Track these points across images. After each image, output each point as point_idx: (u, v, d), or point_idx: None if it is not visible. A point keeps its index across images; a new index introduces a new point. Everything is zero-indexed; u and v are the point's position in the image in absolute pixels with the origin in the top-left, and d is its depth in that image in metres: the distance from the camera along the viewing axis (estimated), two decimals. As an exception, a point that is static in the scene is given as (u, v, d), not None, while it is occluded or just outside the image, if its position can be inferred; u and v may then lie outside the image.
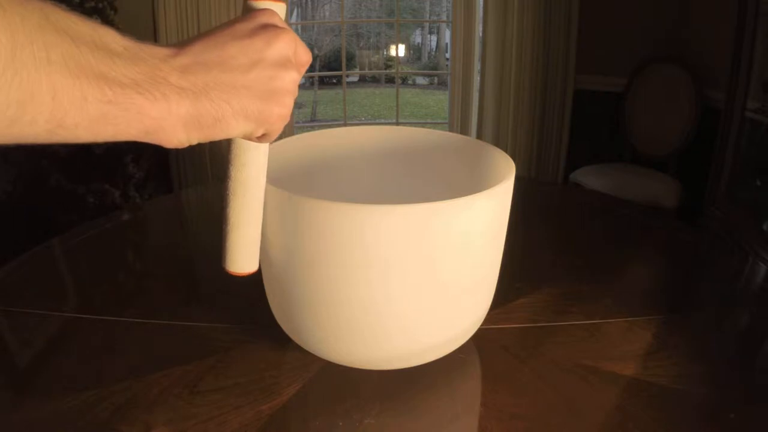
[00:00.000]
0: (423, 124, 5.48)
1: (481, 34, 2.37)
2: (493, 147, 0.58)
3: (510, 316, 0.63)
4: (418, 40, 7.63)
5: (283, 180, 0.56)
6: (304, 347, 0.52)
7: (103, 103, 0.27)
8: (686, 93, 2.07)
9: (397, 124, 3.23)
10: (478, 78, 2.44)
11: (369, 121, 5.91)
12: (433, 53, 7.67)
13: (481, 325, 0.54)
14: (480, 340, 0.57)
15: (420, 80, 7.39)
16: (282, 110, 0.35)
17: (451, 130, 2.61)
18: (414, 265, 0.44)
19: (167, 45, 0.32)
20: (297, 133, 1.13)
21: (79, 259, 0.83)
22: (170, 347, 0.57)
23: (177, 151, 2.35)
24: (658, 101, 2.16)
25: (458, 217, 0.44)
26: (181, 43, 0.32)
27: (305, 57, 0.37)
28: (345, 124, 2.77)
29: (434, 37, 7.54)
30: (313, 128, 2.57)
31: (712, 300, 0.72)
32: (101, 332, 0.60)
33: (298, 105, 5.96)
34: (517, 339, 0.59)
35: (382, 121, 6.08)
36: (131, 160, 2.00)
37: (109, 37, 0.28)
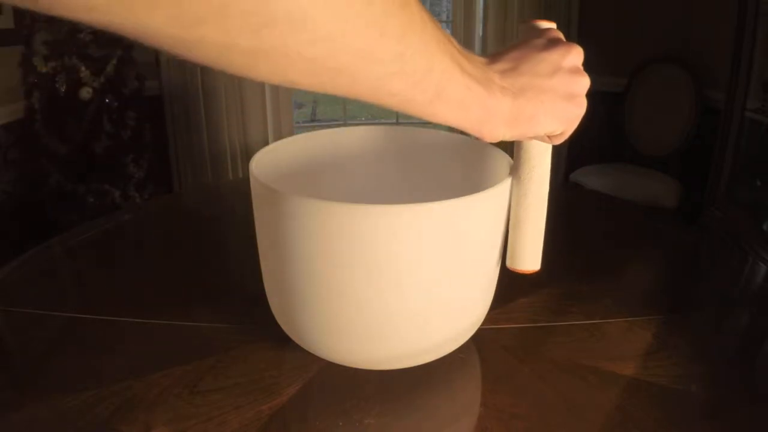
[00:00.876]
0: (423, 124, 5.48)
1: (481, 34, 2.37)
2: (493, 147, 0.58)
3: (510, 316, 0.63)
4: (418, 40, 7.64)
5: (283, 180, 0.56)
6: (304, 347, 0.52)
7: (465, 88, 0.32)
8: (686, 93, 2.07)
9: (397, 124, 3.23)
10: (478, 78, 2.44)
11: (369, 121, 5.91)
12: (433, 53, 7.68)
13: (481, 325, 0.54)
14: (480, 340, 0.57)
15: (420, 80, 7.40)
16: (580, 110, 0.41)
17: (451, 130, 2.60)
18: (414, 265, 0.44)
19: (481, 55, 0.37)
20: (297, 133, 1.13)
21: (79, 259, 0.83)
22: (170, 347, 0.57)
23: (177, 151, 2.35)
24: (658, 101, 2.16)
25: (458, 217, 0.44)
26: (490, 55, 0.38)
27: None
28: (345, 124, 2.77)
29: (434, 37, 7.54)
30: (313, 128, 2.57)
31: (712, 300, 0.72)
32: (101, 332, 0.60)
33: (298, 105, 5.95)
34: (517, 339, 0.59)
35: (382, 121, 6.07)
36: (131, 160, 2.00)
37: (449, 37, 0.33)
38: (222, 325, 0.61)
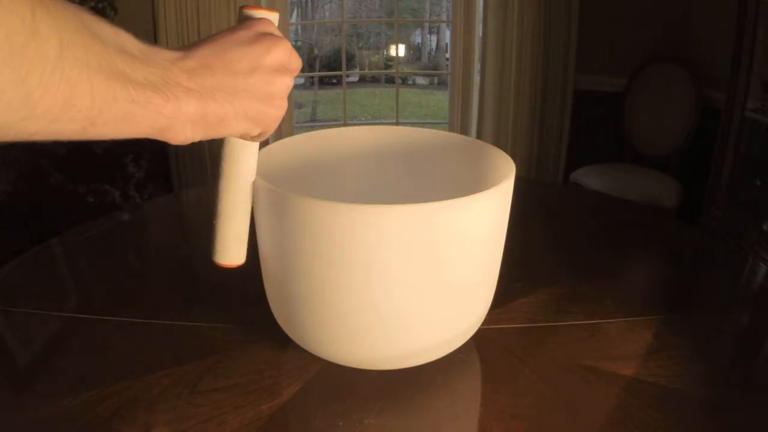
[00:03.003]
0: (423, 124, 5.48)
1: (481, 34, 2.37)
2: (493, 147, 0.58)
3: (510, 316, 0.63)
4: (418, 40, 7.63)
5: (283, 180, 0.56)
6: (304, 347, 0.52)
7: (129, 103, 0.29)
8: (686, 93, 2.07)
9: (397, 124, 3.23)
10: (478, 78, 2.44)
11: (369, 121, 5.91)
12: (433, 53, 7.67)
13: (481, 325, 0.54)
14: (480, 340, 0.57)
15: (420, 80, 7.38)
16: (277, 112, 0.39)
17: (451, 130, 2.61)
18: (414, 265, 0.44)
19: (174, 48, 0.34)
20: (297, 133, 1.13)
21: (79, 259, 0.83)
22: (170, 347, 0.57)
23: (177, 152, 2.35)
24: (658, 101, 2.16)
25: (458, 217, 0.44)
26: (187, 47, 0.35)
27: (297, 64, 0.40)
28: (345, 124, 2.77)
29: (434, 37, 7.53)
30: (313, 128, 2.57)
31: (711, 300, 0.72)
32: (101, 332, 0.60)
33: (298, 105, 5.95)
34: (517, 339, 0.59)
35: (382, 121, 6.08)
36: (131, 160, 2.00)
37: (127, 39, 0.31)
38: (222, 325, 0.61)
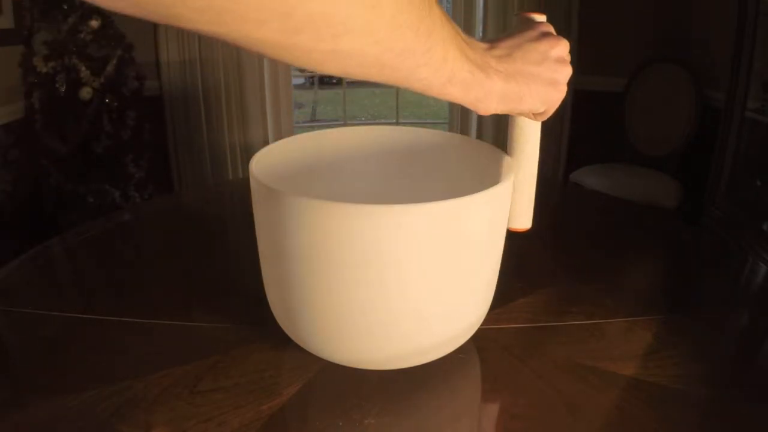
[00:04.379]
0: (423, 124, 5.48)
1: (481, 34, 2.37)
2: (493, 147, 0.58)
3: (510, 316, 0.63)
4: (418, 40, 7.62)
5: (284, 180, 0.56)
6: (304, 347, 0.52)
7: (468, 73, 0.38)
8: (686, 93, 2.07)
9: (397, 124, 3.23)
10: (478, 78, 2.44)
11: (369, 121, 5.91)
12: (433, 53, 7.66)
13: (481, 325, 0.54)
14: (480, 340, 0.57)
15: (420, 80, 7.39)
16: (560, 95, 0.47)
17: (451, 130, 2.61)
18: (414, 265, 0.44)
19: (482, 40, 0.43)
20: (297, 133, 1.12)
21: (79, 259, 0.83)
22: (170, 347, 0.57)
23: (177, 152, 2.35)
24: (658, 101, 2.16)
25: (458, 217, 0.44)
26: (491, 40, 0.44)
27: (569, 58, 0.48)
28: (345, 124, 2.77)
29: (434, 37, 7.53)
30: (313, 128, 2.57)
31: (712, 300, 0.72)
32: (101, 332, 0.60)
33: (298, 105, 5.95)
34: (517, 339, 0.59)
35: (382, 121, 6.07)
36: (131, 160, 2.00)
37: (457, 28, 0.38)
38: (222, 325, 0.61)
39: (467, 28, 2.45)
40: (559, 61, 0.45)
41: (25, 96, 1.84)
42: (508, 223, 0.53)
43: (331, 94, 6.53)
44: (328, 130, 0.66)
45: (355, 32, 0.28)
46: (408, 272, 0.44)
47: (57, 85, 1.80)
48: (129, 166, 2.00)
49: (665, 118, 2.13)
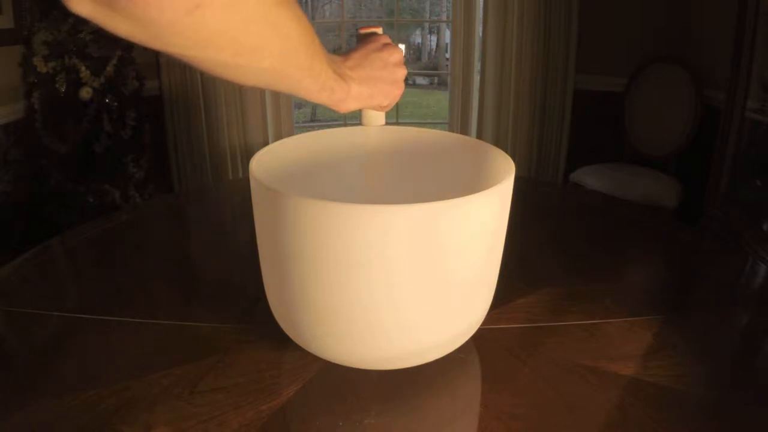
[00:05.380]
0: (423, 124, 5.47)
1: (481, 34, 2.37)
2: (493, 147, 0.58)
3: (510, 316, 0.63)
4: (418, 40, 7.62)
5: (283, 180, 0.56)
6: (304, 347, 0.52)
7: (334, 81, 0.49)
8: (686, 93, 2.07)
9: (397, 124, 3.22)
10: (478, 78, 2.44)
11: (369, 121, 5.88)
12: (433, 53, 7.66)
13: (481, 325, 0.54)
14: (480, 340, 0.57)
15: (420, 80, 7.38)
16: (400, 91, 0.60)
17: (451, 130, 2.61)
18: (414, 265, 0.44)
19: (338, 54, 0.55)
20: (297, 133, 1.12)
21: (79, 259, 0.83)
22: (170, 347, 0.57)
23: (177, 151, 2.35)
24: (658, 101, 2.16)
25: (458, 217, 0.44)
26: (344, 53, 0.56)
27: (403, 61, 0.61)
28: (345, 124, 2.77)
29: (434, 37, 7.52)
30: (313, 128, 2.57)
31: (712, 300, 0.72)
32: (101, 332, 0.60)
33: (298, 105, 5.94)
34: (517, 339, 0.59)
35: (382, 121, 6.05)
36: (131, 160, 2.00)
37: (323, 48, 0.47)
38: (222, 325, 0.61)
39: (467, 28, 2.45)
40: (397, 64, 0.59)
41: (25, 96, 1.84)
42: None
43: (331, 94, 6.51)
44: (328, 130, 0.66)
45: (274, 56, 0.39)
46: (407, 272, 0.44)
47: (57, 85, 1.79)
48: (129, 166, 2.00)
49: (665, 118, 2.13)
